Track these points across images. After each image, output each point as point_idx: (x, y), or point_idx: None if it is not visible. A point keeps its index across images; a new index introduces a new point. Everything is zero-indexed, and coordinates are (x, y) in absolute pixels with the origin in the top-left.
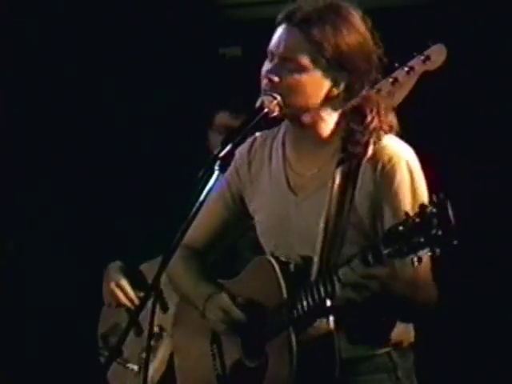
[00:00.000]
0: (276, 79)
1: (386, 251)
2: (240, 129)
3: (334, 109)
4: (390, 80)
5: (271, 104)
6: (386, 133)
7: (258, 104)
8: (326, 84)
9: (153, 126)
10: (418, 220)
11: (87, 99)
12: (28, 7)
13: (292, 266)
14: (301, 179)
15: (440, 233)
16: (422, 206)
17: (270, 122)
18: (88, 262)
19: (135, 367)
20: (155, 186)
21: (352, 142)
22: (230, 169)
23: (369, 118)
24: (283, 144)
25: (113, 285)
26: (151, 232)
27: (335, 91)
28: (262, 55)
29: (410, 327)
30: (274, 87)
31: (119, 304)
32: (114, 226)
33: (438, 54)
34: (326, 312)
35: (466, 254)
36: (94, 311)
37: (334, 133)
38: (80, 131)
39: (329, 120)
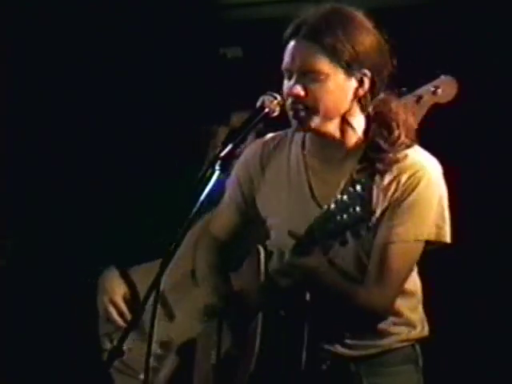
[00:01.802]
0: (302, 93)
1: (319, 234)
2: (241, 129)
3: (362, 110)
4: None
5: (272, 104)
6: (408, 147)
7: (258, 104)
8: (352, 86)
9: (153, 126)
10: (345, 198)
11: (87, 100)
12: (28, 7)
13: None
14: (327, 189)
15: (360, 212)
16: (351, 186)
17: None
18: (87, 262)
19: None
20: (154, 187)
21: (378, 159)
22: (243, 172)
23: (396, 134)
24: (303, 150)
25: (106, 300)
26: (149, 232)
27: (361, 92)
28: (263, 55)
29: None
30: (301, 102)
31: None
32: (113, 226)
33: (447, 87)
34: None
35: (466, 254)
36: (94, 311)
37: (360, 141)
38: (80, 131)
39: (357, 126)
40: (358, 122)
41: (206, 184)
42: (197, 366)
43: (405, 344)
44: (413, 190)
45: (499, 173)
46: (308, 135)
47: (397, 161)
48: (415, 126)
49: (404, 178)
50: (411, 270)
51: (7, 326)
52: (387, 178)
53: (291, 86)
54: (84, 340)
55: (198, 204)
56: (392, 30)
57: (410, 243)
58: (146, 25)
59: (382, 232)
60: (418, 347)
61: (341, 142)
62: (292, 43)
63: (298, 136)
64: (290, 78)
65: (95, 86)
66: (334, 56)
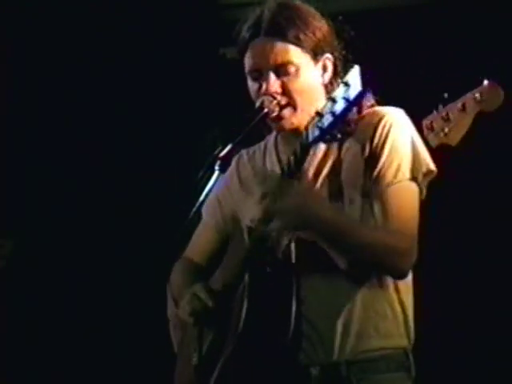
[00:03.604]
0: (280, 90)
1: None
2: (240, 129)
3: (327, 94)
4: (441, 115)
5: (271, 104)
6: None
7: (257, 104)
8: (319, 73)
9: (153, 126)
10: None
11: (87, 100)
12: (28, 7)
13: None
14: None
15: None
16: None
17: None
18: (88, 263)
19: None
20: (155, 186)
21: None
22: (222, 189)
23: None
24: (276, 150)
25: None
26: (152, 232)
27: (326, 77)
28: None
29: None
30: (279, 100)
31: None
32: (114, 226)
33: (491, 94)
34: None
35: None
36: (95, 312)
37: None
38: (80, 131)
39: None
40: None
41: (206, 184)
42: (178, 377)
43: (397, 345)
44: (387, 137)
45: None
46: (280, 136)
47: (360, 119)
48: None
49: (373, 126)
50: (416, 209)
51: (7, 326)
52: (357, 135)
53: (266, 86)
54: (83, 340)
55: (198, 204)
56: (392, 30)
57: (402, 182)
58: (145, 25)
59: (373, 185)
60: (411, 356)
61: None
62: (255, 43)
63: (271, 141)
64: (257, 79)
65: (95, 86)
66: (301, 46)
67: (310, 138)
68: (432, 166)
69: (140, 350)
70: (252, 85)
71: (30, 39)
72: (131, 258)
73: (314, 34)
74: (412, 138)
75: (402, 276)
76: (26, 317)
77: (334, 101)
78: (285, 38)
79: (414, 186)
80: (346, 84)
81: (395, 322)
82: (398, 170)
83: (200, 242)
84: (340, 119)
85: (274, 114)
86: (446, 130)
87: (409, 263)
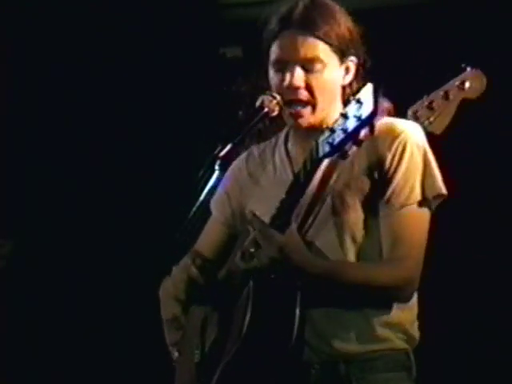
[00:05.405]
0: (303, 85)
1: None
2: (240, 128)
3: (343, 96)
4: (426, 103)
5: (271, 103)
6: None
7: (257, 103)
8: (340, 74)
9: (153, 126)
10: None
11: (87, 100)
12: (28, 7)
13: None
14: None
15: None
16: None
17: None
18: (88, 263)
19: None
20: (155, 187)
21: None
22: (231, 183)
23: None
24: (286, 146)
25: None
26: (152, 232)
27: (347, 79)
28: (263, 55)
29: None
30: (304, 94)
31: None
32: (114, 226)
33: (474, 81)
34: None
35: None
36: (95, 312)
37: None
38: (80, 131)
39: (338, 110)
40: (338, 106)
41: (206, 184)
42: (179, 372)
43: (398, 347)
44: (401, 158)
45: None
46: (291, 132)
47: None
48: (389, 106)
49: (387, 143)
50: (425, 234)
51: (7, 326)
52: (368, 147)
53: (290, 78)
54: (83, 340)
55: (198, 204)
56: (392, 29)
57: (414, 206)
58: (146, 25)
59: (383, 205)
60: (412, 355)
61: (322, 129)
62: (286, 35)
63: (282, 137)
64: (281, 71)
65: (95, 86)
66: (331, 44)
67: (321, 153)
68: (443, 190)
69: (140, 349)
70: (274, 76)
71: (30, 39)
72: (131, 258)
73: (343, 34)
74: (427, 159)
75: (405, 302)
76: (26, 317)
77: (345, 117)
78: (316, 34)
79: (425, 211)
80: (359, 101)
81: (397, 329)
82: (411, 192)
83: (209, 237)
84: (351, 138)
85: (293, 111)
86: (431, 118)
87: (410, 291)
